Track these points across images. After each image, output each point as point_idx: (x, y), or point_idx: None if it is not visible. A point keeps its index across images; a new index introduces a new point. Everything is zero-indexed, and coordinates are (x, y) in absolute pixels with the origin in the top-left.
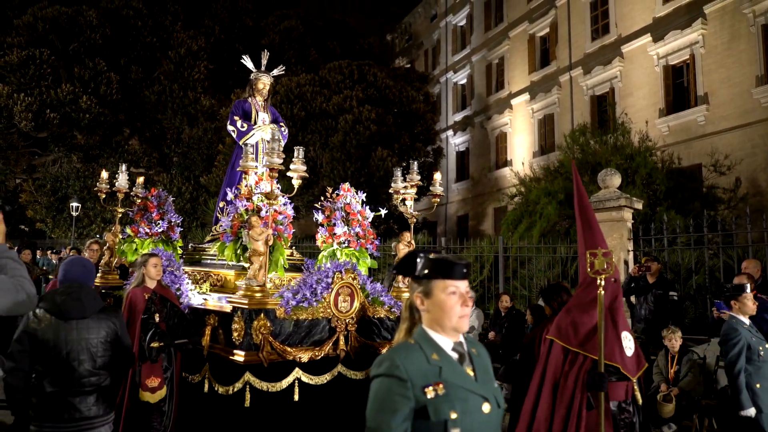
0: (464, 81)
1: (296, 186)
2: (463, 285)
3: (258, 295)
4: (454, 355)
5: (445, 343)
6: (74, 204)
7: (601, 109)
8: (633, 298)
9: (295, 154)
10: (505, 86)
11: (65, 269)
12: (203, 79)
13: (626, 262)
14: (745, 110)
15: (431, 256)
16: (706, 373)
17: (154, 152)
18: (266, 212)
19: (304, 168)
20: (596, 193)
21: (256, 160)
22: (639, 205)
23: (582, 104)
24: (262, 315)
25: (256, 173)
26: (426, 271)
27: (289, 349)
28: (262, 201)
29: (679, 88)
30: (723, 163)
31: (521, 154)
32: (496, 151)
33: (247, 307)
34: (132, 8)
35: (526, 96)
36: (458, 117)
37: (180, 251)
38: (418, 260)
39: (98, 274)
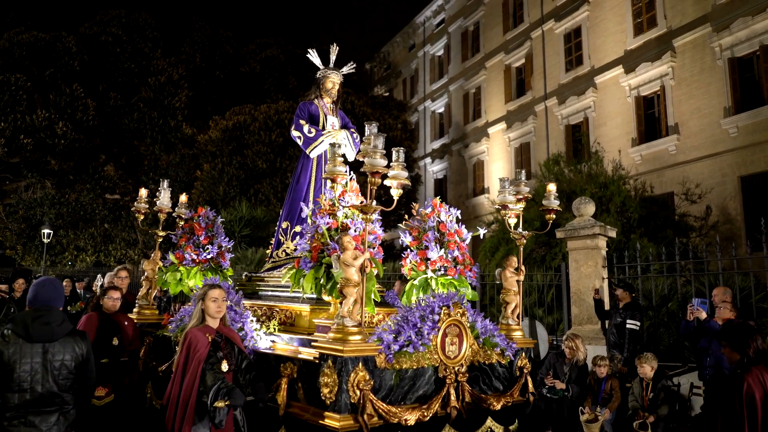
0: (442, 109)
1: (396, 197)
2: None
3: (355, 338)
4: None
5: None
6: (46, 231)
7: (576, 138)
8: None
9: (394, 157)
10: (482, 115)
11: (35, 291)
12: (183, 108)
13: (597, 291)
14: (714, 140)
15: None
16: (681, 400)
17: (129, 179)
18: (356, 230)
19: (406, 174)
20: (571, 221)
21: (322, 169)
22: (613, 233)
23: (557, 133)
24: (360, 365)
25: (341, 182)
26: None
27: (394, 409)
28: (348, 217)
29: (651, 118)
30: (694, 192)
31: (498, 181)
32: (473, 179)
33: (342, 354)
34: (111, 35)
35: (502, 125)
36: (436, 145)
37: (230, 281)
38: None
39: (135, 309)
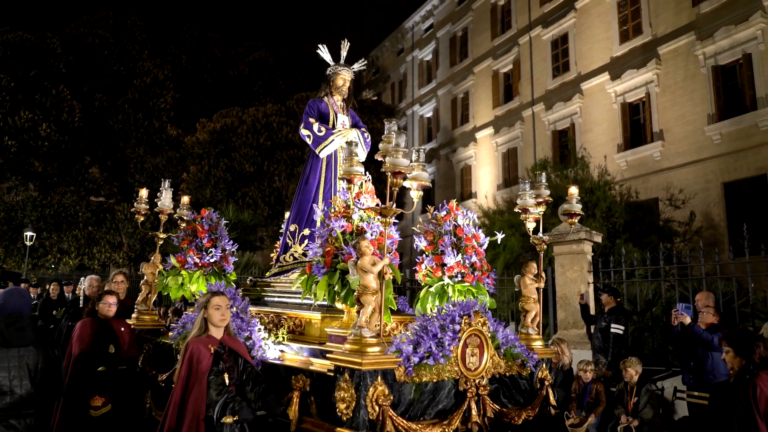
0: (430, 114)
1: (416, 199)
2: None
3: (374, 350)
4: None
5: None
6: (29, 233)
7: (562, 143)
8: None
9: (414, 157)
10: (470, 120)
11: (4, 300)
12: (169, 109)
13: (582, 295)
14: (698, 147)
15: None
16: (665, 404)
17: (115, 181)
18: (372, 234)
19: (426, 175)
20: (557, 226)
21: (336, 170)
22: (598, 238)
23: (544, 139)
24: (379, 378)
25: (357, 184)
26: None
27: (414, 426)
28: (363, 220)
29: (636, 124)
30: (678, 198)
31: (485, 186)
32: (461, 183)
33: (360, 367)
34: (98, 36)
35: (490, 130)
36: (424, 149)
37: (234, 286)
38: None
39: (133, 314)
